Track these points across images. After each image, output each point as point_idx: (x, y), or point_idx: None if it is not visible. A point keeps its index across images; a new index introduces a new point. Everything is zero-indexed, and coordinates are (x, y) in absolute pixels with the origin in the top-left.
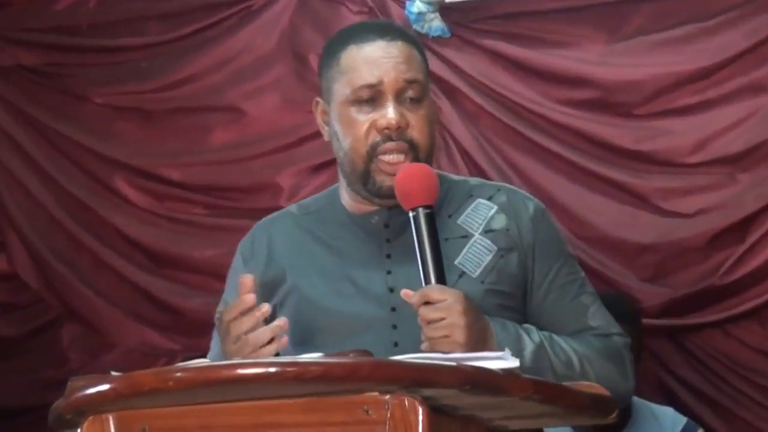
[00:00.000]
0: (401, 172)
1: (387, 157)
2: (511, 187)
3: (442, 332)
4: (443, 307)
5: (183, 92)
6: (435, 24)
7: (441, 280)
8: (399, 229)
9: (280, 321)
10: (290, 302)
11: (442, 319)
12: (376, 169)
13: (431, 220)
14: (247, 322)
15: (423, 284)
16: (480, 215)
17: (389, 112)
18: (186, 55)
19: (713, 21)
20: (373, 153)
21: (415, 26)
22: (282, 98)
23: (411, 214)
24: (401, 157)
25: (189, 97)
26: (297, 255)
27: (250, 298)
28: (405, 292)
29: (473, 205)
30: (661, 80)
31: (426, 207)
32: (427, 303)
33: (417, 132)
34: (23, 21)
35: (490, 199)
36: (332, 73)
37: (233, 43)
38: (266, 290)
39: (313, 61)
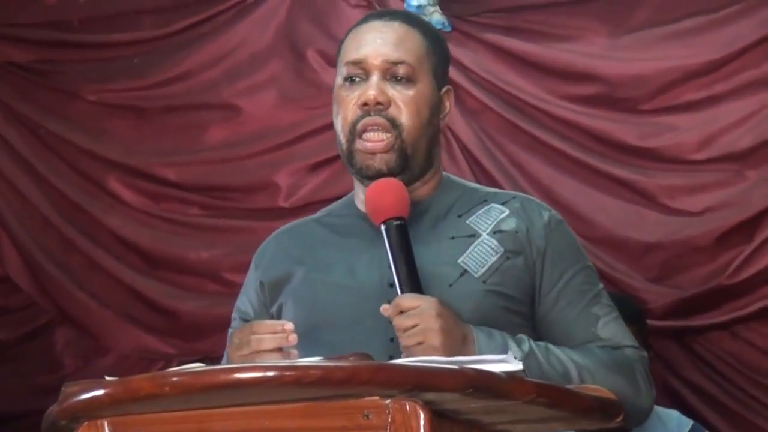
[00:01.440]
0: (369, 190)
1: (367, 135)
2: (528, 196)
3: (417, 339)
4: (416, 313)
5: (177, 89)
6: (435, 18)
7: (415, 290)
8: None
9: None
10: (293, 298)
11: (416, 325)
12: (358, 149)
13: (403, 231)
14: (269, 340)
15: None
16: (491, 217)
17: (370, 88)
18: (180, 51)
19: (721, 12)
20: (354, 130)
21: None
22: (279, 95)
23: (382, 228)
24: (381, 134)
25: (184, 95)
26: (305, 254)
27: (290, 324)
28: (383, 308)
29: (486, 208)
30: (668, 74)
31: (397, 219)
32: (401, 313)
33: (400, 111)
34: (13, 16)
35: (504, 204)
36: (338, 59)
37: (228, 39)
38: (273, 290)
39: (311, 56)
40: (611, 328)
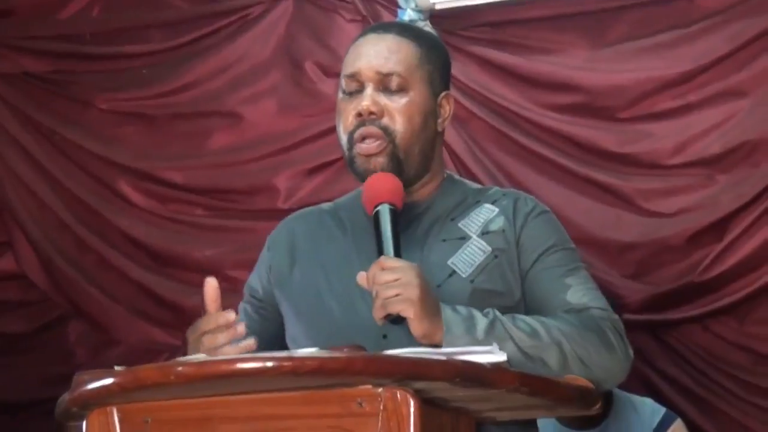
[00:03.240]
0: (365, 182)
1: (362, 143)
2: (521, 193)
3: (395, 290)
4: (398, 269)
5: (184, 98)
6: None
7: None
8: (401, 226)
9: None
10: (291, 293)
11: (397, 279)
12: (356, 154)
13: (394, 214)
14: (221, 337)
15: None
16: (480, 218)
17: (363, 99)
18: (186, 63)
19: (694, 27)
20: (352, 139)
21: None
22: (278, 103)
23: (375, 210)
24: (375, 142)
25: (189, 103)
26: (309, 248)
27: (231, 316)
28: (360, 275)
29: (477, 209)
30: (644, 85)
31: (390, 204)
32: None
33: (392, 120)
34: (29, 29)
35: (494, 203)
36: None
37: (232, 51)
38: (276, 280)
39: (309, 67)
40: (580, 293)
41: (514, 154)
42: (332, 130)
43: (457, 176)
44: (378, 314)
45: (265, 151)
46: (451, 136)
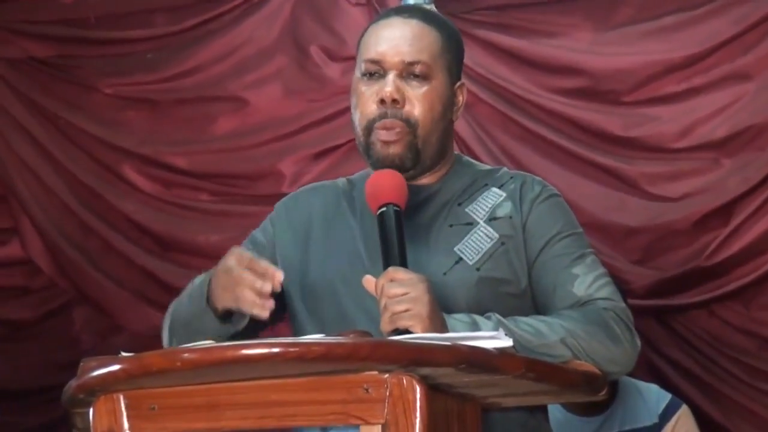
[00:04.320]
0: (370, 179)
1: (382, 130)
2: (528, 175)
3: (405, 306)
4: (408, 283)
5: (188, 83)
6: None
7: None
8: (409, 209)
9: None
10: (294, 271)
11: (406, 293)
12: (374, 140)
13: (398, 217)
14: (250, 277)
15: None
16: (488, 203)
17: (387, 85)
18: (190, 47)
19: (699, 10)
20: (371, 126)
21: None
22: (283, 88)
23: (380, 211)
24: (395, 130)
25: (194, 88)
26: (318, 224)
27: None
28: (366, 278)
29: (485, 193)
30: (649, 68)
31: (394, 205)
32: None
33: (414, 108)
34: (33, 14)
35: (501, 187)
36: (358, 50)
37: (236, 35)
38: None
39: (314, 52)
40: (587, 284)
41: (519, 138)
42: (337, 114)
43: (466, 157)
44: (386, 328)
45: (270, 135)
46: (457, 121)
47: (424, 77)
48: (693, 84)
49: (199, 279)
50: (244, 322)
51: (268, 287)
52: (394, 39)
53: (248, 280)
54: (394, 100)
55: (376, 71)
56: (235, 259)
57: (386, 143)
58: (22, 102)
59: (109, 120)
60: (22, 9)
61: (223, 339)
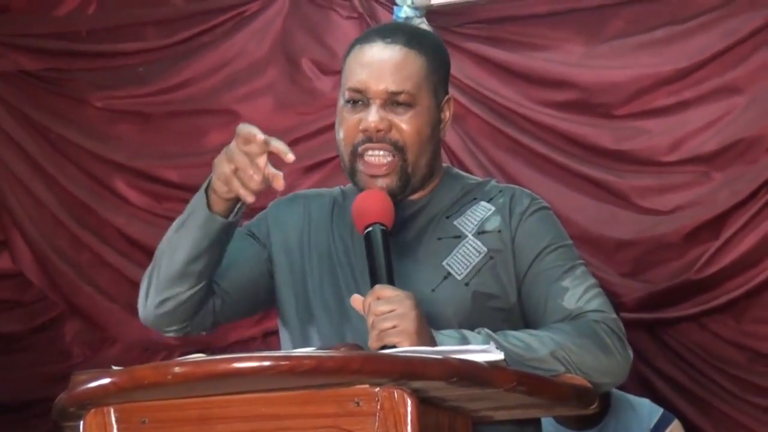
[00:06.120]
0: (356, 200)
1: (368, 157)
2: (516, 188)
3: (392, 322)
4: (394, 300)
5: (179, 96)
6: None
7: None
8: (397, 222)
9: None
10: (286, 279)
11: (393, 310)
12: (360, 170)
13: (385, 236)
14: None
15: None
16: (476, 216)
17: (370, 115)
18: (182, 60)
19: (691, 23)
20: (356, 152)
21: None
22: (275, 101)
23: (366, 230)
24: (382, 158)
25: (185, 101)
26: (314, 231)
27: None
28: (354, 297)
29: (473, 207)
30: (640, 82)
31: (381, 224)
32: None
33: (401, 134)
34: (26, 27)
35: (490, 200)
36: (342, 70)
37: (228, 48)
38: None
39: (305, 65)
40: (576, 296)
41: (509, 150)
42: (329, 127)
43: (455, 170)
44: (374, 345)
45: None
46: (447, 133)
47: (408, 105)
48: (683, 97)
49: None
50: (233, 216)
51: (258, 178)
52: (377, 67)
53: (242, 162)
54: (379, 130)
55: (360, 99)
56: (246, 132)
57: (373, 177)
58: (13, 115)
59: (101, 133)
60: (13, 22)
61: (204, 244)
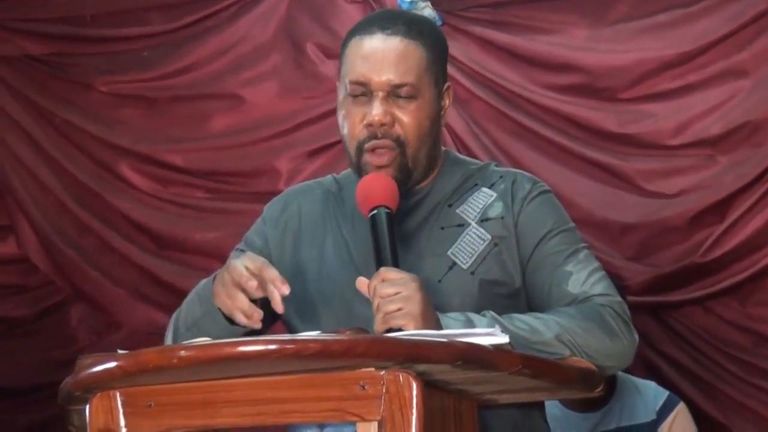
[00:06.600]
0: (360, 182)
1: (374, 153)
2: (519, 172)
3: (398, 305)
4: (399, 282)
5: (184, 80)
6: (427, 12)
7: None
8: (399, 213)
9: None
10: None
11: (398, 293)
12: (365, 163)
13: (390, 218)
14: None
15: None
16: (479, 203)
17: (374, 109)
18: (187, 45)
19: (695, 6)
20: (362, 148)
21: None
22: (279, 85)
23: (371, 213)
24: (386, 155)
25: (190, 85)
26: (308, 228)
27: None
28: (360, 280)
29: (475, 193)
30: (645, 65)
31: (383, 207)
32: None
33: (404, 128)
34: (30, 12)
35: (491, 186)
36: (342, 60)
37: (232, 33)
38: (275, 255)
39: (310, 49)
40: (581, 280)
41: (514, 134)
42: (333, 112)
43: (454, 153)
44: (379, 328)
45: (266, 133)
46: (452, 117)
47: (411, 96)
48: (688, 81)
49: (203, 281)
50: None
51: (257, 316)
52: (378, 59)
53: (239, 300)
54: (383, 124)
55: (362, 92)
56: (246, 260)
57: (378, 168)
58: (18, 100)
59: (106, 118)
60: (18, 7)
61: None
